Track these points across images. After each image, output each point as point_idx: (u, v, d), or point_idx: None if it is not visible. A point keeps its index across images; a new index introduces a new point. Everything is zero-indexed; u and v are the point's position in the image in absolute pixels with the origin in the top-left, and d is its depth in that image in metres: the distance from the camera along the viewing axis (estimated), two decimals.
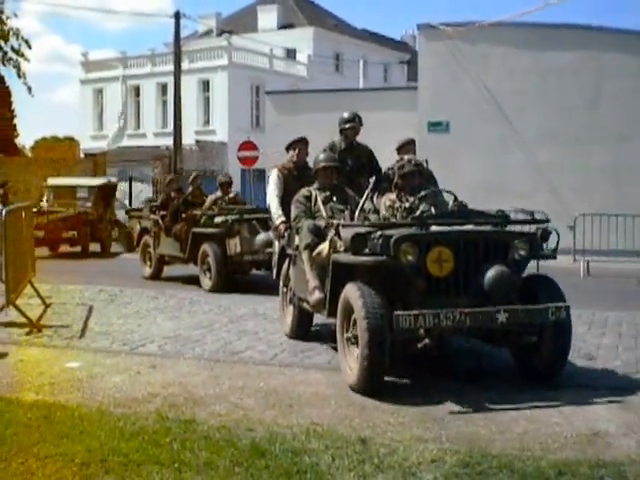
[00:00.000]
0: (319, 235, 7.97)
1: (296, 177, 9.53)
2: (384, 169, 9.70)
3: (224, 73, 45.20)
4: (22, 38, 32.20)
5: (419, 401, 6.60)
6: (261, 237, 11.42)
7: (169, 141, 37.42)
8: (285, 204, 9.16)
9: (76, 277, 16.11)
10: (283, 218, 9.14)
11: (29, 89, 32.29)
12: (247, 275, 15.47)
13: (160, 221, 16.06)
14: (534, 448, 5.45)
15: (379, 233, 6.90)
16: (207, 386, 7.10)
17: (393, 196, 8.44)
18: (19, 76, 32.31)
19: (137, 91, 49.40)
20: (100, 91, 50.75)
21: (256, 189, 27.08)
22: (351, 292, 6.93)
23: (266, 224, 13.04)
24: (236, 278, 15.12)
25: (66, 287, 14.00)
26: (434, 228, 7.13)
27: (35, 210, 19.74)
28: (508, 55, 22.81)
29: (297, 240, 8.45)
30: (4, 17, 32.05)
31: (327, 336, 9.18)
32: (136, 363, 8.03)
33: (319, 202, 8.63)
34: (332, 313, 7.64)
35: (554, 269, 8.72)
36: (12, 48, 32.06)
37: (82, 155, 44.61)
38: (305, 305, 8.61)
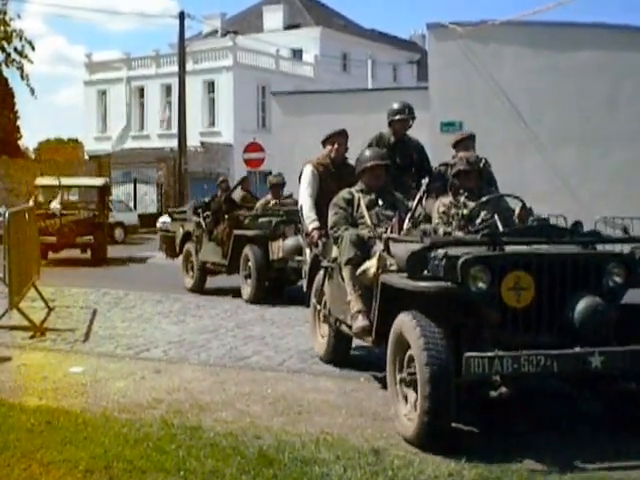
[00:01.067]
0: (363, 248, 6.89)
1: (334, 175, 8.30)
2: (435, 167, 8.87)
3: (229, 74, 45.19)
4: (25, 39, 32.14)
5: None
6: (290, 242, 10.75)
7: (174, 143, 37.34)
8: (319, 206, 8.06)
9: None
10: (317, 223, 7.99)
11: (32, 91, 32.21)
12: (294, 285, 13.36)
13: (203, 223, 14.38)
14: (554, 465, 5.23)
15: (442, 252, 5.68)
16: (213, 392, 6.99)
17: (447, 200, 7.34)
18: (22, 78, 32.24)
19: (141, 92, 49.45)
20: (104, 92, 50.79)
21: (262, 192, 26.95)
22: (407, 324, 5.69)
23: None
24: (281, 289, 13.82)
25: (70, 290, 13.95)
26: (510, 248, 5.85)
27: (42, 212, 19.34)
28: (522, 54, 22.58)
29: (335, 252, 7.36)
30: (7, 18, 31.98)
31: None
32: (140, 368, 7.93)
33: (362, 207, 7.43)
34: (379, 342, 6.55)
35: None
36: (15, 49, 31.97)
37: (86, 157, 44.56)
38: (344, 328, 7.42)
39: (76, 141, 51.30)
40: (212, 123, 46.16)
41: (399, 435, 5.76)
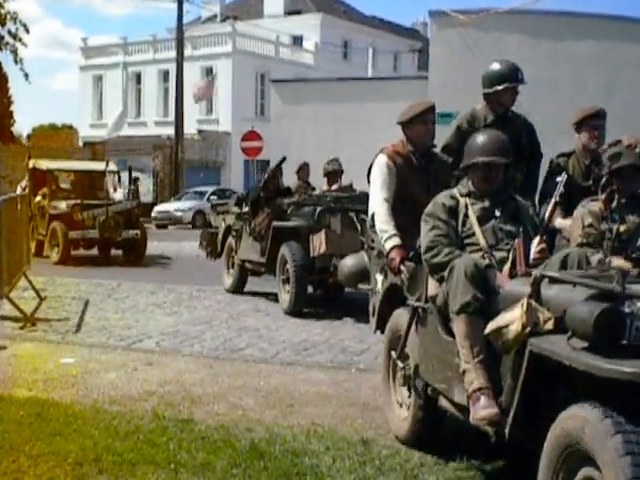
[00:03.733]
0: (484, 287, 4.43)
1: (417, 170, 5.87)
2: (552, 159, 6.85)
3: (228, 60, 44.84)
4: (20, 22, 31.40)
5: None
6: (350, 262, 8.08)
7: (170, 130, 37.33)
8: (399, 213, 5.65)
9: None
10: (398, 240, 5.48)
11: (26, 75, 31.75)
12: (342, 293, 12.03)
13: (244, 212, 12.39)
14: None
15: None
16: (205, 384, 6.97)
17: (596, 207, 5.34)
18: (16, 62, 31.59)
19: (138, 78, 49.17)
20: (100, 78, 50.47)
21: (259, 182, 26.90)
22: (591, 426, 3.36)
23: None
24: (328, 295, 12.11)
25: (62, 280, 13.84)
26: None
27: (77, 203, 17.76)
28: (522, 44, 22.51)
29: (434, 287, 4.93)
30: (1, 0, 31.49)
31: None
32: (133, 359, 7.89)
33: (472, 219, 4.96)
34: (515, 437, 4.15)
35: None
36: (9, 32, 31.12)
37: (81, 144, 44.38)
38: (444, 403, 4.97)
39: (71, 127, 51.08)
40: (210, 111, 45.90)
41: (386, 424, 5.80)
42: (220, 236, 13.43)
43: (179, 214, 33.69)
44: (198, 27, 51.26)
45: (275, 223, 11.20)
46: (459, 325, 4.44)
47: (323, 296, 11.88)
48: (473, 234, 4.93)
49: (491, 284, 4.46)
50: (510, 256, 4.63)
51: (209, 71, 45.43)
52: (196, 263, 17.16)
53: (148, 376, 7.22)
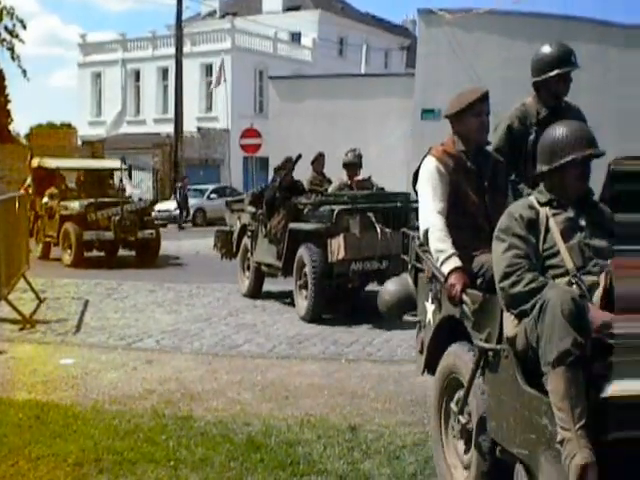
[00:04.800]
0: (586, 329, 3.43)
1: (472, 172, 4.82)
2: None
3: (227, 57, 44.55)
4: (17, 18, 30.72)
5: None
6: (392, 288, 5.74)
7: (170, 128, 37.20)
8: (455, 228, 4.60)
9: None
10: (458, 262, 4.40)
11: (24, 72, 31.23)
12: (360, 293, 11.42)
13: (259, 213, 11.60)
14: None
15: None
16: (204, 381, 7.06)
17: None
18: (13, 58, 30.98)
19: (137, 75, 48.85)
20: (99, 75, 50.04)
21: (259, 179, 26.92)
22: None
23: (394, 219, 10.29)
24: (346, 300, 11.26)
25: (61, 281, 13.84)
26: None
27: (91, 202, 16.97)
28: (502, 44, 22.62)
29: (509, 324, 3.86)
30: None
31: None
32: (132, 359, 7.96)
33: (555, 233, 3.99)
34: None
35: None
36: (6, 28, 30.32)
37: (79, 142, 44.26)
38: (521, 471, 3.76)
39: (69, 126, 50.74)
40: (209, 108, 45.74)
41: (372, 411, 6.18)
42: (235, 236, 12.72)
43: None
44: (197, 23, 50.98)
45: (291, 225, 10.61)
46: (556, 380, 3.40)
47: (341, 301, 10.92)
48: (557, 253, 3.94)
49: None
50: (602, 281, 3.67)
51: (208, 68, 45.34)
52: (197, 261, 17.34)
53: (148, 375, 7.29)
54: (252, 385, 6.92)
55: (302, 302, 10.27)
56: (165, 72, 46.00)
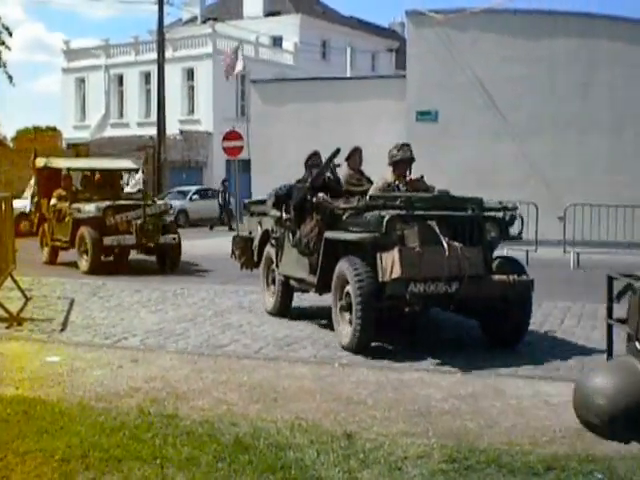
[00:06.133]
0: None
1: None
2: None
3: (209, 61, 44.83)
4: (3, 25, 31.30)
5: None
6: (608, 385, 4.39)
7: (153, 131, 37.25)
8: None
9: None
10: None
11: (10, 78, 31.59)
12: (421, 318, 9.67)
13: (286, 219, 9.93)
14: (522, 442, 5.41)
15: None
16: (190, 380, 7.03)
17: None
18: (0, 65, 31.70)
19: (120, 80, 49.07)
20: (82, 80, 50.33)
21: (242, 181, 26.89)
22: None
23: (464, 231, 8.30)
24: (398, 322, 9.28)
25: (47, 280, 13.83)
26: None
27: (109, 205, 15.99)
28: (499, 43, 22.71)
29: None
30: None
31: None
32: (118, 357, 7.94)
33: None
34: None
35: (544, 260, 8.94)
36: None
37: (64, 145, 44.20)
38: None
39: (54, 129, 50.90)
40: (191, 111, 45.93)
41: (370, 418, 5.91)
42: (256, 243, 11.05)
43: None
44: (179, 29, 51.36)
45: (328, 234, 8.80)
46: None
47: (394, 326, 9.07)
48: None
49: None
50: None
51: (190, 72, 45.40)
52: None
53: (133, 373, 7.27)
54: (239, 386, 6.85)
55: (345, 327, 8.38)
56: (148, 77, 46.08)
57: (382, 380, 7.15)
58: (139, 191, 17.53)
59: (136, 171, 18.75)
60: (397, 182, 9.32)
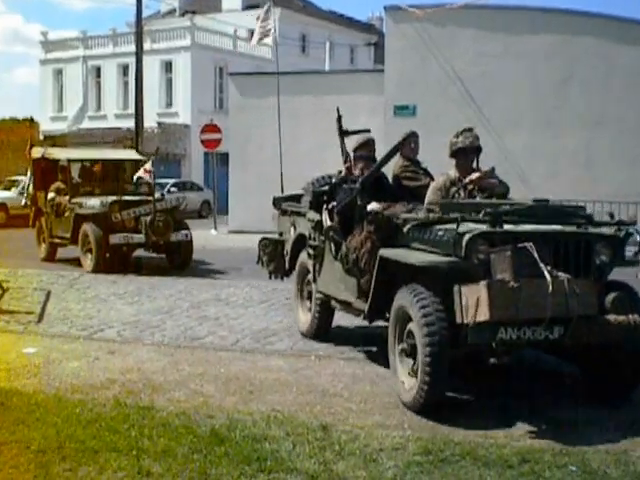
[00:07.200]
0: None
1: None
2: None
3: (187, 54, 44.73)
4: None
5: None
6: None
7: (130, 123, 37.02)
8: None
9: None
10: None
11: None
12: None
13: (328, 227, 7.82)
14: (497, 435, 5.44)
15: None
16: (166, 372, 7.04)
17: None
18: None
19: (98, 72, 48.79)
20: (60, 72, 50.03)
21: (220, 174, 26.87)
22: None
23: (569, 255, 6.10)
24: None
25: (24, 271, 13.74)
26: None
27: (115, 200, 14.90)
28: (477, 38, 22.73)
29: None
30: None
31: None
32: (94, 349, 7.93)
33: None
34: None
35: None
36: None
37: (42, 137, 43.96)
38: None
39: (32, 120, 50.58)
40: (169, 104, 45.74)
41: (345, 411, 5.93)
42: (289, 248, 9.22)
43: None
44: (157, 21, 51.09)
45: (384, 252, 6.74)
46: None
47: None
48: None
49: None
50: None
51: (168, 65, 45.28)
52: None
53: (110, 365, 7.26)
54: (215, 378, 6.87)
55: (407, 377, 6.26)
56: (125, 69, 45.87)
57: (358, 373, 7.15)
58: (147, 184, 16.16)
59: (142, 163, 16.61)
60: (462, 179, 7.32)
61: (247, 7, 53.73)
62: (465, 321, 5.75)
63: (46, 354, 7.62)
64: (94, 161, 17.27)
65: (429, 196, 7.31)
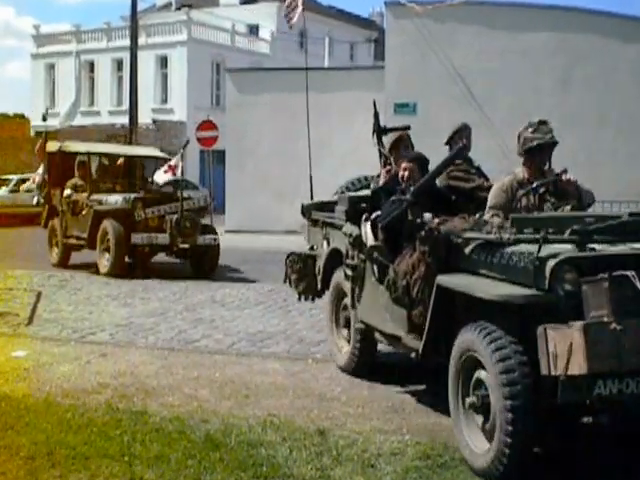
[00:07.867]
0: None
1: None
2: None
3: (183, 49, 44.51)
4: None
5: None
6: None
7: (124, 119, 36.89)
8: None
9: None
10: None
11: None
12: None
13: (372, 247, 6.50)
14: None
15: None
16: (160, 376, 6.95)
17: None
18: None
19: (91, 67, 48.54)
20: (52, 66, 49.74)
21: (216, 172, 26.75)
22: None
23: None
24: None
25: (14, 272, 13.61)
26: None
27: (139, 197, 14.16)
28: (478, 35, 22.70)
29: None
30: None
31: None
32: (86, 352, 7.85)
33: None
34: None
35: None
36: None
37: (32, 133, 43.76)
38: None
39: (23, 117, 50.38)
40: (164, 100, 45.55)
41: (343, 415, 5.86)
42: (321, 264, 7.78)
43: None
44: (153, 15, 50.81)
45: (442, 279, 5.39)
46: None
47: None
48: None
49: None
50: None
51: (164, 60, 45.14)
52: None
53: (102, 368, 7.18)
54: (210, 382, 6.80)
55: (478, 440, 4.95)
56: (120, 63, 45.66)
57: (356, 377, 7.05)
58: (176, 182, 14.92)
59: (165, 160, 15.78)
60: (531, 181, 6.10)
61: (245, 1, 53.68)
62: (553, 373, 4.45)
63: (36, 357, 7.53)
64: (116, 156, 16.48)
65: (492, 199, 6.06)
